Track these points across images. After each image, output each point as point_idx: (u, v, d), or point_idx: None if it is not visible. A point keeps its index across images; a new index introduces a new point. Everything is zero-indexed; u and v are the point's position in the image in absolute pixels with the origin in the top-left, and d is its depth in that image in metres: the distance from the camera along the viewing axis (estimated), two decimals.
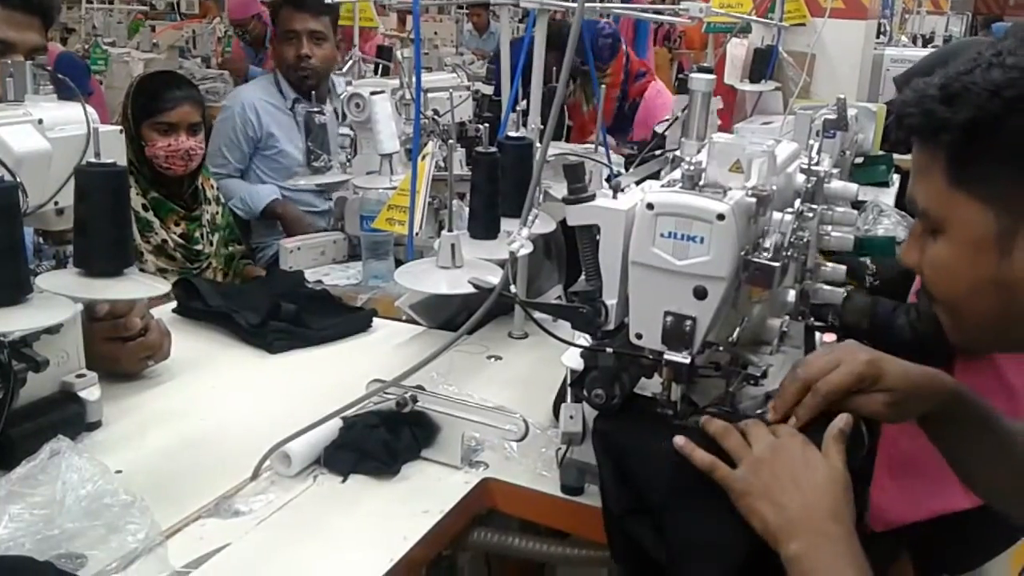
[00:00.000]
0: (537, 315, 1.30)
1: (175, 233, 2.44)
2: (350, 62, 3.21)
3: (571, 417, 1.24)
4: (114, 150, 1.24)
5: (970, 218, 0.92)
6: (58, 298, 1.16)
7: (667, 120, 2.97)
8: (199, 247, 2.49)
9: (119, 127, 1.37)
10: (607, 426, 1.16)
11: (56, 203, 1.23)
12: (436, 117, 2.10)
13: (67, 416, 1.32)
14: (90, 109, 1.26)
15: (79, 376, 1.36)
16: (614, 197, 1.14)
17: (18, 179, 1.14)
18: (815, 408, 1.09)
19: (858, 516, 1.42)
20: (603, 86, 3.59)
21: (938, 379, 1.13)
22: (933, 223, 0.96)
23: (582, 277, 1.17)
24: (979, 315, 0.96)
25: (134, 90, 2.44)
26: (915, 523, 1.78)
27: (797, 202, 1.23)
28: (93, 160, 1.16)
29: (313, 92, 2.75)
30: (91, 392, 1.37)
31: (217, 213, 2.60)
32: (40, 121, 1.23)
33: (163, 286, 1.26)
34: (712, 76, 1.34)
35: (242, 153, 3.03)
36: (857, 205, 1.41)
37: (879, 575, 0.96)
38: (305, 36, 3.02)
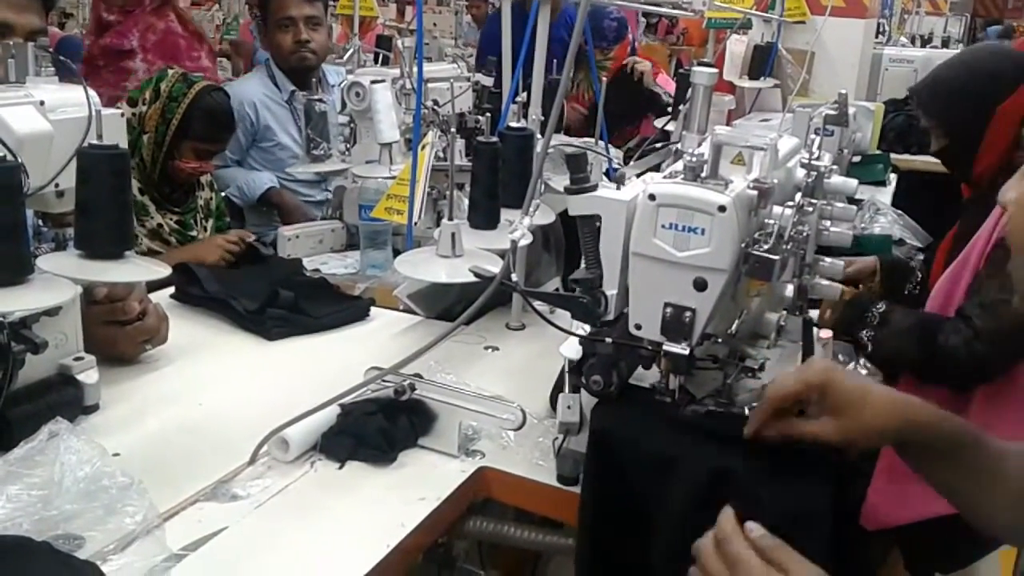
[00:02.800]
0: (536, 305, 1.30)
1: (171, 218, 2.44)
2: (350, 51, 3.21)
3: (568, 407, 1.25)
4: (115, 133, 1.23)
5: None
6: (58, 280, 1.16)
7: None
8: (193, 232, 2.49)
9: (120, 111, 1.36)
10: (604, 423, 1.17)
11: (57, 185, 1.22)
12: (436, 107, 2.10)
13: (65, 399, 1.32)
14: (92, 92, 1.26)
15: (77, 359, 1.36)
16: (616, 188, 1.14)
17: (19, 160, 1.13)
18: (763, 413, 1.07)
19: (853, 514, 1.42)
20: (603, 77, 3.58)
21: (899, 410, 1.03)
22: None
23: (582, 266, 1.17)
24: None
25: (192, 109, 2.32)
26: (908, 523, 1.78)
27: (797, 196, 1.23)
28: (95, 142, 1.16)
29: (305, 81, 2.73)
30: (89, 375, 1.37)
31: (210, 199, 2.60)
32: (42, 103, 1.23)
33: (164, 269, 1.26)
34: (714, 70, 1.35)
35: (239, 144, 3.02)
36: (854, 203, 1.41)
37: (870, 575, 0.93)
38: (302, 22, 3.01)
